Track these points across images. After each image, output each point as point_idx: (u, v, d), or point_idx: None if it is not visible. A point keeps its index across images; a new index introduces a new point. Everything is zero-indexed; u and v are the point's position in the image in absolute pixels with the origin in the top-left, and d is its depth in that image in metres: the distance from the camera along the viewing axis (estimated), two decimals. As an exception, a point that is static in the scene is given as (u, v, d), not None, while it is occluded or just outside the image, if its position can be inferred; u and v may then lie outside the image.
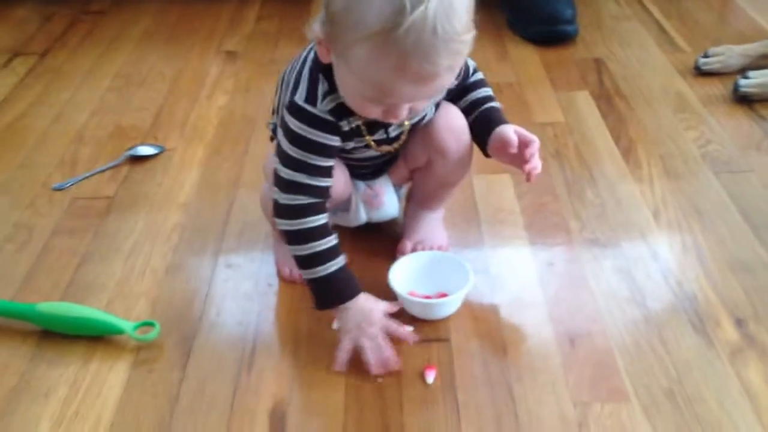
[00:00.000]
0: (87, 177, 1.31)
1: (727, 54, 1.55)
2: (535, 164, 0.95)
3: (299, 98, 0.90)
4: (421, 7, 0.76)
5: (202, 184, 1.29)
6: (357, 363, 0.93)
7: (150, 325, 0.98)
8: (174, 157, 1.37)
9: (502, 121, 0.99)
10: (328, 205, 0.95)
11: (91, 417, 0.88)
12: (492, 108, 1.01)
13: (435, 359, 0.94)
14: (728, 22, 1.87)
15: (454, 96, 1.01)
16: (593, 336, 0.96)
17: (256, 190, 1.17)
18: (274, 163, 0.94)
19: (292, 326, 1.00)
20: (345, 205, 1.07)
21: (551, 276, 1.06)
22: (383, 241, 1.12)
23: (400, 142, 1.00)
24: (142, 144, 1.39)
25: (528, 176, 0.95)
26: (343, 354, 0.92)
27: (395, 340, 0.93)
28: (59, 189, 1.28)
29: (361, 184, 1.07)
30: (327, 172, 0.93)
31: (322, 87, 0.90)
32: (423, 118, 0.99)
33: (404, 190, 1.14)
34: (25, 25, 1.92)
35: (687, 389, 0.88)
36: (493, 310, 1.01)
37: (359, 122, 0.93)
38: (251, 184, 1.25)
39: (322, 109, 0.90)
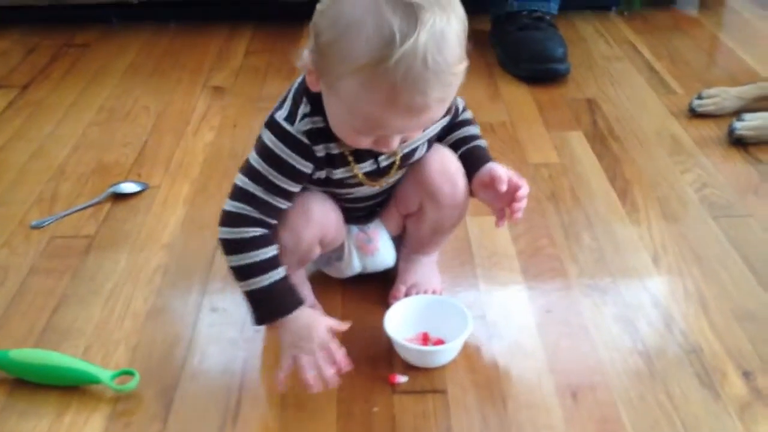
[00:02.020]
0: (67, 215, 1.26)
1: (722, 96, 1.54)
2: (523, 205, 0.94)
3: (279, 116, 0.89)
4: (411, 39, 0.74)
5: (186, 223, 1.24)
6: (347, 416, 0.88)
7: (129, 374, 0.93)
8: (158, 194, 1.32)
9: (489, 159, 0.98)
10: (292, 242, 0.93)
11: (64, 475, 0.82)
12: (479, 146, 1.00)
13: (431, 411, 0.89)
14: (718, 63, 1.87)
15: (443, 132, 0.99)
16: (596, 389, 0.92)
17: (243, 230, 1.13)
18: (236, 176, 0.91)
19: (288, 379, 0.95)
20: (338, 253, 1.03)
21: (550, 323, 1.02)
22: (376, 285, 1.08)
23: (393, 176, 0.97)
24: (125, 181, 1.35)
25: (512, 215, 0.95)
26: (281, 372, 0.88)
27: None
28: (37, 227, 1.23)
29: (354, 228, 1.03)
30: (286, 195, 0.90)
31: (303, 108, 0.88)
32: (415, 152, 0.96)
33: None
34: (7, 56, 1.89)
35: (696, 447, 0.84)
36: (490, 359, 0.97)
37: (342, 150, 0.90)
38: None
39: (298, 129, 0.88)
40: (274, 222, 0.91)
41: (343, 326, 0.91)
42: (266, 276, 0.89)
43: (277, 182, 0.89)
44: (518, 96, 1.66)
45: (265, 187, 0.89)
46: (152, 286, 1.10)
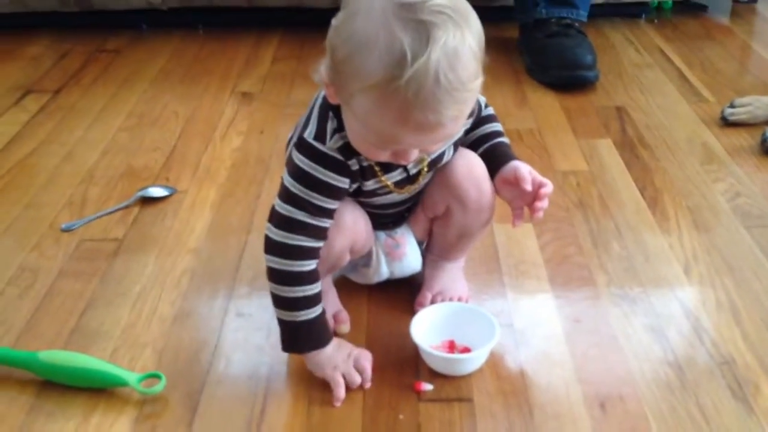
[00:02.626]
0: (96, 218, 1.27)
1: (755, 105, 1.51)
2: (545, 204, 0.94)
3: (308, 135, 0.88)
4: (423, 57, 0.73)
5: (213, 228, 1.25)
6: (373, 424, 0.88)
7: (156, 377, 0.93)
8: (185, 199, 1.33)
9: (513, 157, 0.97)
10: (342, 259, 0.93)
11: (90, 477, 0.83)
12: (502, 143, 0.99)
13: (457, 420, 0.88)
14: (750, 71, 1.85)
15: (465, 130, 0.98)
16: (625, 400, 0.90)
17: (270, 235, 1.13)
18: (274, 200, 0.91)
19: (306, 382, 0.94)
20: (366, 260, 1.03)
21: (578, 333, 1.01)
22: (401, 292, 1.07)
23: (421, 182, 0.96)
24: (153, 185, 1.36)
25: (533, 214, 0.94)
26: (334, 386, 0.91)
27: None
28: (67, 230, 1.24)
29: (382, 234, 1.03)
30: (328, 213, 0.90)
31: (331, 124, 0.87)
32: (442, 156, 0.96)
33: (425, 246, 1.10)
34: (39, 62, 1.91)
35: (728, 461, 0.82)
36: (517, 368, 0.96)
37: (370, 162, 0.90)
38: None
39: (331, 147, 0.87)
40: (321, 244, 0.91)
41: (368, 355, 0.94)
42: (308, 312, 0.90)
43: (319, 203, 0.88)
44: (546, 103, 1.65)
45: (308, 211, 0.88)
46: (179, 290, 1.10)
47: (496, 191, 0.99)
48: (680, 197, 1.30)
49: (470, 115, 0.94)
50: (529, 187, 0.93)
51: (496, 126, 1.01)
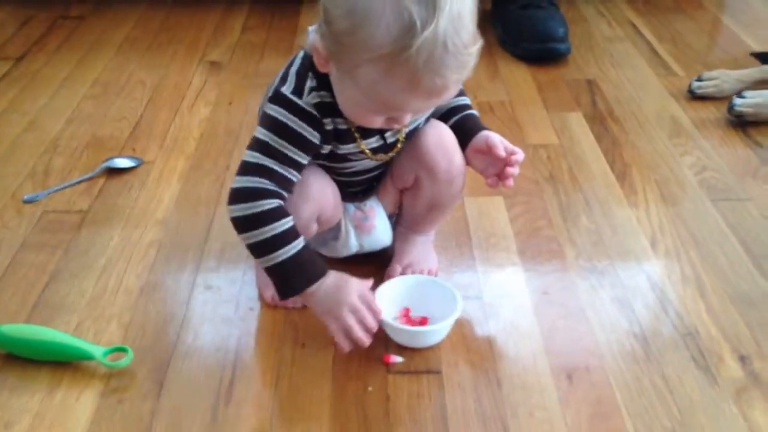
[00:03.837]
0: (60, 189, 1.25)
1: (722, 78, 1.52)
2: (516, 171, 0.95)
3: (286, 89, 0.88)
4: (432, 25, 0.74)
5: (181, 200, 1.23)
6: (341, 396, 0.88)
7: (122, 350, 0.92)
8: (152, 170, 1.31)
9: (483, 128, 0.98)
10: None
11: (55, 451, 0.82)
12: (472, 114, 1.00)
13: (425, 391, 0.89)
14: (720, 45, 1.86)
15: None
16: (591, 371, 0.91)
17: (238, 207, 1.12)
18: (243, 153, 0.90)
19: (274, 354, 0.94)
20: (335, 233, 1.02)
21: (547, 305, 1.02)
22: (372, 264, 1.06)
23: (395, 151, 0.96)
24: (119, 156, 1.33)
25: (504, 180, 0.94)
26: (337, 337, 0.89)
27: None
28: (30, 201, 1.22)
29: (351, 207, 1.02)
30: (297, 166, 0.89)
31: (309, 83, 0.87)
32: (418, 127, 0.96)
33: (395, 219, 1.09)
34: (2, 28, 1.86)
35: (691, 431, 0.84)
36: (486, 340, 0.96)
37: (349, 126, 0.90)
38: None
39: (307, 101, 0.87)
40: (286, 195, 0.89)
41: (368, 282, 0.92)
42: (289, 247, 0.87)
43: (289, 153, 0.88)
44: (518, 76, 1.64)
45: (278, 159, 0.88)
46: (146, 263, 1.09)
47: (468, 162, 0.99)
48: (648, 171, 1.31)
49: None
50: (502, 153, 0.93)
51: (464, 99, 1.01)
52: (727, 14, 2.00)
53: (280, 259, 0.87)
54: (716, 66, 1.61)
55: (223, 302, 1.02)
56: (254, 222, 0.87)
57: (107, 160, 1.31)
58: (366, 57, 0.77)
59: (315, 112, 0.88)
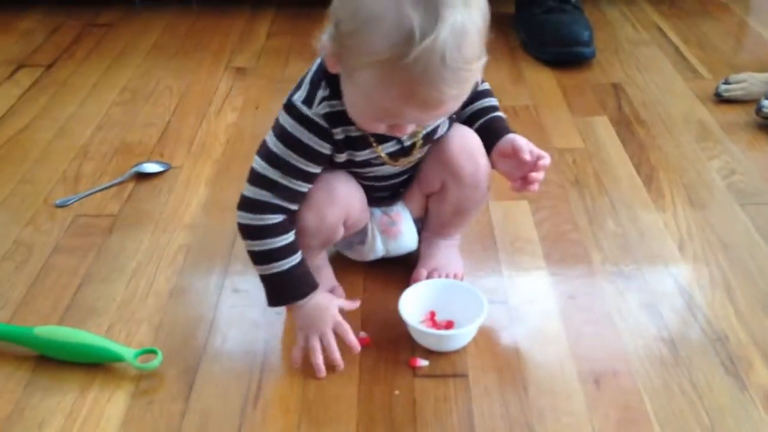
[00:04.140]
0: (90, 194, 1.27)
1: (750, 81, 1.51)
2: (542, 176, 0.94)
3: (297, 98, 0.89)
4: (432, 36, 0.72)
5: (208, 204, 1.24)
6: (368, 399, 0.88)
7: (152, 352, 0.93)
8: (180, 175, 1.32)
9: (509, 131, 0.98)
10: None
11: (88, 451, 0.83)
12: (498, 117, 0.99)
13: (452, 395, 0.89)
14: (746, 48, 1.84)
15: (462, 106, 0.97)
16: (619, 376, 0.91)
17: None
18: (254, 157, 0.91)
19: (302, 357, 0.95)
20: (361, 237, 1.03)
21: (573, 309, 1.02)
22: (398, 268, 1.07)
23: (415, 155, 0.96)
24: (147, 161, 1.35)
25: (530, 185, 0.94)
26: (296, 350, 0.92)
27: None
28: (61, 206, 1.24)
29: (378, 211, 1.03)
30: (304, 176, 0.90)
31: (321, 92, 0.87)
32: (436, 129, 0.96)
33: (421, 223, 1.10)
34: (31, 36, 1.89)
35: (720, 437, 0.83)
36: (512, 344, 0.96)
37: (362, 132, 0.90)
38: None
39: (316, 112, 0.88)
40: (293, 207, 0.91)
41: (353, 305, 0.95)
42: (284, 261, 0.91)
43: (296, 164, 0.89)
44: (542, 80, 1.64)
45: (283, 171, 0.89)
46: (174, 266, 1.10)
47: (493, 165, 0.98)
48: (675, 174, 1.30)
49: None
50: (528, 157, 0.93)
51: (492, 101, 1.01)
52: (753, 16, 1.98)
53: (274, 271, 0.91)
54: (743, 68, 1.59)
55: (251, 305, 1.03)
56: (256, 233, 0.91)
57: (136, 165, 1.33)
58: (365, 61, 0.77)
59: (324, 123, 0.88)
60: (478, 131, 0.98)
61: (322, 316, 0.92)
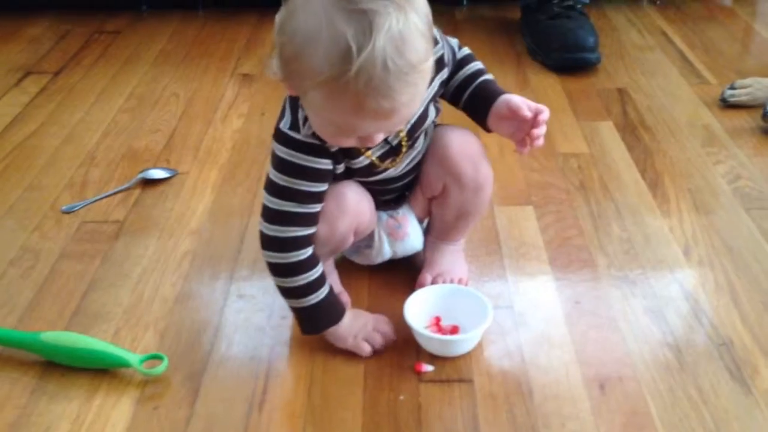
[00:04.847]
0: (97, 200, 1.27)
1: (756, 86, 1.51)
2: (544, 130, 0.91)
3: (284, 126, 0.89)
4: (368, 48, 0.72)
5: (215, 210, 1.25)
6: (373, 404, 0.88)
7: (158, 358, 0.94)
8: (187, 181, 1.33)
9: (501, 92, 0.95)
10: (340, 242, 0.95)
11: (94, 456, 0.84)
12: (489, 80, 0.97)
13: (457, 401, 0.89)
14: (752, 53, 1.84)
15: (443, 81, 0.95)
16: (624, 381, 0.91)
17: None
18: (263, 195, 0.91)
19: (307, 362, 0.95)
20: (368, 241, 1.03)
21: (578, 314, 1.02)
22: (402, 273, 1.07)
23: (407, 152, 0.95)
24: (154, 167, 1.36)
25: (533, 142, 0.91)
26: (359, 351, 0.95)
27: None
28: (68, 212, 1.25)
29: (384, 215, 1.03)
30: (316, 198, 0.91)
31: (302, 112, 0.87)
32: (422, 120, 0.94)
33: (425, 226, 1.10)
34: (39, 43, 1.90)
35: (726, 442, 0.83)
36: (517, 349, 0.96)
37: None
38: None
39: (305, 134, 0.88)
40: (314, 230, 0.92)
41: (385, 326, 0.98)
42: (316, 294, 0.92)
43: (305, 188, 0.89)
44: (548, 85, 1.64)
45: (296, 200, 0.89)
46: (180, 272, 1.11)
47: (493, 129, 0.96)
48: (681, 179, 1.30)
49: (444, 66, 0.93)
50: (527, 113, 0.90)
51: (477, 65, 0.98)
52: (759, 21, 1.98)
53: (306, 304, 0.93)
54: (748, 74, 1.59)
55: (257, 311, 1.03)
56: (288, 271, 0.91)
57: (143, 171, 1.34)
58: (309, 83, 0.76)
59: (315, 141, 0.88)
60: (470, 99, 0.96)
61: (359, 326, 0.95)
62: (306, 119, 0.87)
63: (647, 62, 1.74)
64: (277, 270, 0.92)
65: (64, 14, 2.05)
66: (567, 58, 1.70)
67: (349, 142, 0.84)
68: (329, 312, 0.94)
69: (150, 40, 1.91)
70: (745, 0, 2.10)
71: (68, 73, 1.75)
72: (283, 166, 0.89)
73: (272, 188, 0.90)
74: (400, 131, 0.93)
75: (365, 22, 0.72)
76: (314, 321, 0.95)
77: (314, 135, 0.87)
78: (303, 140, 0.88)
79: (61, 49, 1.87)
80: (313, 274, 0.92)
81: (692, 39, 1.86)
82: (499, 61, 1.68)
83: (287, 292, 0.93)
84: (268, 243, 0.91)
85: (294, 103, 0.88)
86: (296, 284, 0.91)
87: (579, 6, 1.79)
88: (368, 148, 0.92)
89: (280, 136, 0.89)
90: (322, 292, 0.92)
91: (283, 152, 0.89)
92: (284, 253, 0.90)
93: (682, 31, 1.90)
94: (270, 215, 0.90)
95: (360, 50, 0.72)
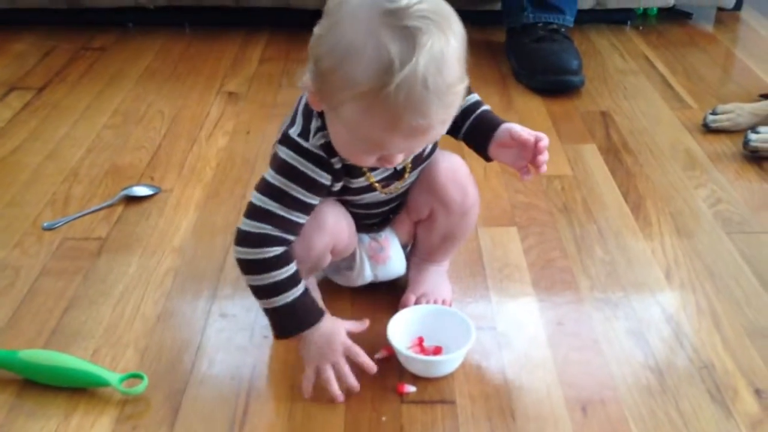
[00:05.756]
0: (79, 216, 1.27)
1: (737, 112, 1.53)
2: (546, 156, 0.92)
3: (293, 132, 0.89)
4: (411, 63, 0.73)
5: (198, 228, 1.24)
6: (355, 425, 0.88)
7: (137, 377, 0.93)
8: (170, 198, 1.32)
9: (501, 121, 0.97)
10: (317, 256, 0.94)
11: (70, 477, 0.82)
12: (487, 111, 0.99)
13: (439, 422, 0.89)
14: (733, 79, 1.86)
15: None
16: (606, 403, 0.91)
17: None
18: (251, 194, 0.91)
19: (288, 382, 0.94)
20: (349, 262, 1.03)
21: (561, 336, 1.02)
22: (386, 294, 1.07)
23: (406, 179, 0.97)
24: (137, 184, 1.35)
25: (538, 168, 0.92)
26: (307, 383, 0.91)
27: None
28: (49, 228, 1.24)
29: (366, 237, 1.03)
30: (304, 208, 0.90)
31: (315, 123, 0.88)
32: (424, 151, 0.96)
33: (409, 249, 1.10)
34: (24, 59, 1.90)
35: (707, 465, 0.83)
36: (500, 371, 0.96)
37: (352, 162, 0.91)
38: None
39: (314, 144, 0.88)
40: (292, 238, 0.91)
41: (361, 326, 0.95)
42: (288, 293, 0.90)
43: (297, 195, 0.89)
44: (532, 108, 1.66)
45: (283, 203, 0.89)
46: (162, 290, 1.10)
47: (495, 158, 0.98)
48: (663, 203, 1.31)
49: None
50: (531, 139, 0.91)
51: (474, 96, 1.00)
52: (739, 47, 2.01)
53: (278, 304, 0.90)
54: (729, 99, 1.62)
55: (239, 330, 1.03)
56: (257, 267, 0.90)
57: (126, 188, 1.33)
58: (348, 95, 0.77)
59: (323, 153, 0.88)
60: (471, 129, 0.98)
61: (331, 344, 0.91)
62: (318, 130, 0.88)
63: (630, 86, 1.77)
64: (245, 266, 0.90)
65: (50, 30, 2.04)
66: (551, 80, 1.71)
67: (369, 161, 0.85)
68: (304, 314, 0.91)
69: (136, 57, 1.91)
70: (726, 26, 2.14)
71: (53, 89, 1.74)
72: (283, 168, 0.89)
73: (264, 187, 0.90)
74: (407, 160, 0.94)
75: (409, 38, 0.74)
76: (286, 323, 0.92)
77: (322, 147, 0.88)
78: (310, 149, 0.88)
79: (46, 65, 1.87)
80: (283, 273, 0.89)
81: (674, 64, 1.88)
82: (484, 83, 1.69)
83: (257, 291, 0.91)
84: (242, 238, 0.90)
85: (308, 112, 0.89)
86: (264, 282, 0.89)
87: (563, 30, 1.81)
88: (372, 169, 0.92)
89: (287, 141, 0.89)
90: (293, 294, 0.90)
91: (287, 155, 0.89)
92: (251, 248, 0.89)
93: (664, 56, 1.93)
94: (251, 211, 0.90)
95: (403, 65, 0.73)
